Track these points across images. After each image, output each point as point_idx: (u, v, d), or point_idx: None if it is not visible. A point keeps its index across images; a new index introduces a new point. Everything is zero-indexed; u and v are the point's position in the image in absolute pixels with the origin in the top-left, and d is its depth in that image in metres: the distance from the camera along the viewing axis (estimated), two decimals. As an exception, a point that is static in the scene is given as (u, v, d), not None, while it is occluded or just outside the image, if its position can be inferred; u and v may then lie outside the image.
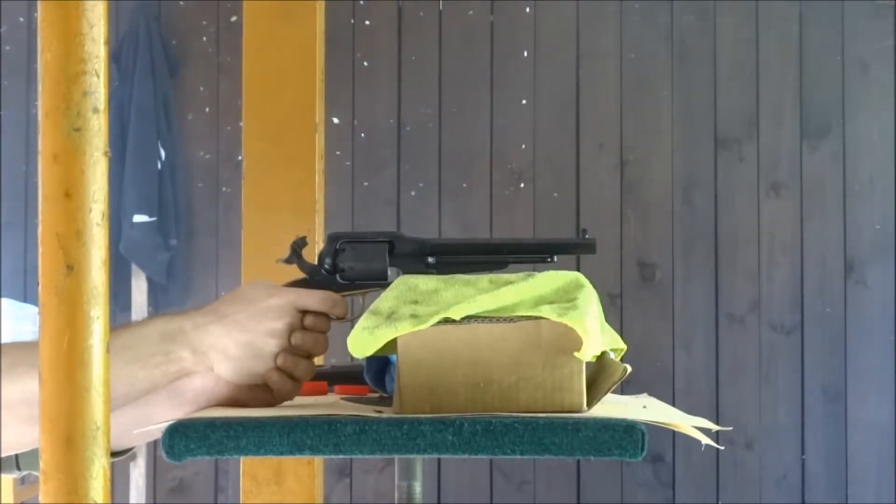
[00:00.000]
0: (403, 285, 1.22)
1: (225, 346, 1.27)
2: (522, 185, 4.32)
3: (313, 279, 1.39)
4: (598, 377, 1.20)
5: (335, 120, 4.28)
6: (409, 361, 1.16)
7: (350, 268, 1.38)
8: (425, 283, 1.22)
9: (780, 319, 4.26)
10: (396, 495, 1.65)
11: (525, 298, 1.18)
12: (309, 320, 1.30)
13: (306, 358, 1.31)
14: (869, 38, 4.30)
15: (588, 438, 1.07)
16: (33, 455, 1.36)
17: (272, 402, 1.30)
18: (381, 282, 1.38)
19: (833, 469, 4.23)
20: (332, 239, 1.40)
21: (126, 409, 1.26)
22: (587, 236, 1.43)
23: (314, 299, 1.30)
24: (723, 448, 4.11)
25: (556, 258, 1.42)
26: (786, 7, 4.31)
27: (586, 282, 1.22)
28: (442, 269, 1.39)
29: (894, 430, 4.23)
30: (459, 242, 1.44)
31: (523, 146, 4.33)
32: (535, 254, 1.43)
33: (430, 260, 1.39)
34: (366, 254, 1.39)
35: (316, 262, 1.40)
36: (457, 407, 1.14)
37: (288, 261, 1.40)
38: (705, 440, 1.12)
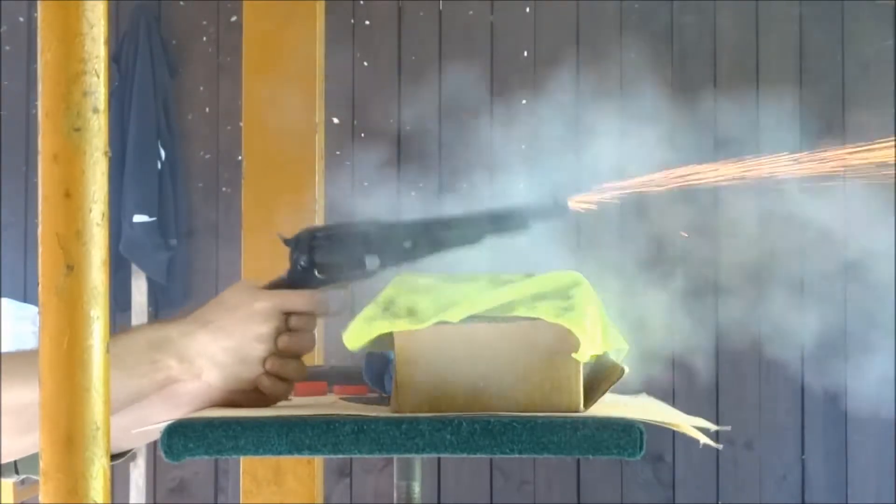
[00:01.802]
0: (402, 283, 1.23)
1: (212, 354, 1.27)
2: (522, 185, 4.32)
3: (291, 277, 1.36)
4: (598, 377, 1.20)
5: (335, 120, 4.29)
6: (406, 361, 1.16)
7: (326, 261, 1.36)
8: (424, 280, 1.22)
9: (780, 320, 4.25)
10: (395, 495, 1.65)
11: (523, 297, 1.18)
12: (295, 321, 1.30)
13: (295, 358, 1.30)
14: (869, 38, 4.30)
15: (587, 437, 1.07)
16: (32, 459, 1.37)
17: (266, 404, 1.30)
18: (360, 271, 1.36)
19: (833, 469, 4.23)
20: (304, 234, 1.37)
21: (123, 412, 1.26)
22: (558, 199, 1.41)
23: (299, 300, 1.30)
24: (722, 448, 4.11)
25: (532, 225, 1.39)
26: (786, 7, 4.31)
27: (584, 281, 1.22)
28: (420, 251, 1.37)
29: (894, 430, 4.22)
30: (430, 221, 1.41)
31: (523, 146, 4.33)
32: (507, 223, 1.40)
33: (407, 245, 1.37)
34: (340, 245, 1.37)
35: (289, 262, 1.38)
36: (455, 406, 1.15)
37: (288, 243, 1.38)
38: (704, 440, 1.12)
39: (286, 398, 1.32)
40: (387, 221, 1.37)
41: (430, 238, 1.37)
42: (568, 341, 1.15)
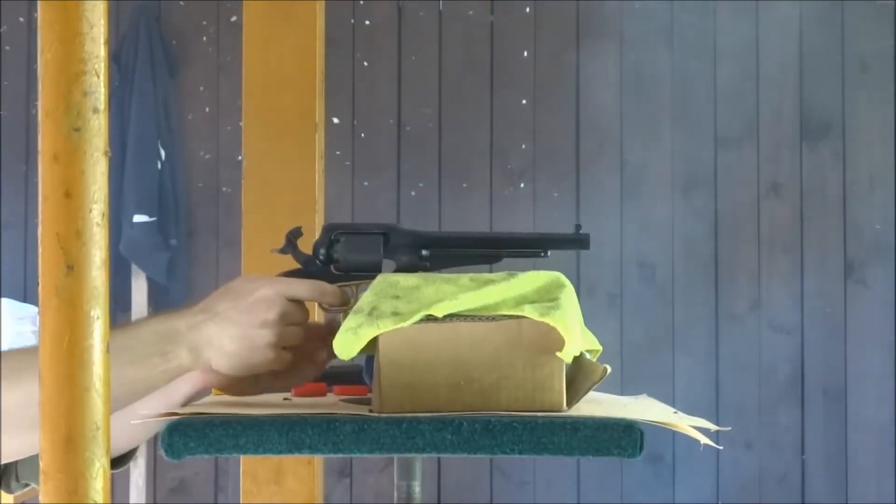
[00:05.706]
0: (384, 283, 1.22)
1: (220, 343, 1.28)
2: (522, 185, 4.32)
3: (307, 270, 1.38)
4: (576, 377, 1.20)
5: (335, 120, 4.29)
6: (389, 359, 1.16)
7: (344, 259, 1.38)
8: (406, 280, 1.22)
9: (780, 319, 4.26)
10: (396, 495, 1.65)
11: (507, 297, 1.18)
12: (298, 310, 1.30)
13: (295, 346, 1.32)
14: (869, 38, 4.30)
15: (587, 438, 1.07)
16: (33, 465, 1.37)
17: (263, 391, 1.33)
18: (376, 273, 1.37)
19: (833, 469, 4.23)
20: (327, 230, 1.40)
21: (122, 418, 1.26)
22: (581, 231, 1.43)
23: (303, 288, 1.30)
24: (722, 448, 4.11)
25: (549, 253, 1.42)
26: (786, 7, 4.30)
27: (567, 281, 1.22)
28: (436, 261, 1.39)
29: (894, 430, 4.22)
30: (454, 235, 1.44)
31: (523, 146, 4.33)
32: (528, 248, 1.42)
33: (425, 252, 1.39)
34: (360, 245, 1.38)
35: (311, 253, 1.40)
36: (437, 406, 1.14)
37: (283, 251, 1.40)
38: (704, 440, 1.12)
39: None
40: (409, 229, 1.39)
41: (449, 252, 1.39)
42: (551, 340, 1.14)
